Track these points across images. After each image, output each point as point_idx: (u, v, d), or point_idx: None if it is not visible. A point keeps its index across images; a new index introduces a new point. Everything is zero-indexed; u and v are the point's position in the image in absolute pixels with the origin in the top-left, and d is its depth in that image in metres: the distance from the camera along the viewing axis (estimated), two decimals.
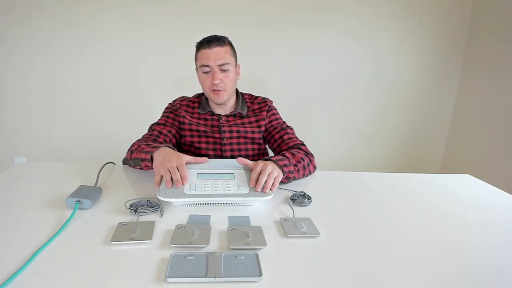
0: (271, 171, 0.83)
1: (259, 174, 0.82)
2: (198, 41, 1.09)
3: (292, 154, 0.98)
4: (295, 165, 0.95)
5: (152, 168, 0.88)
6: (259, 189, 0.79)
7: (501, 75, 2.14)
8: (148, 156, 0.89)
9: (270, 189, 0.80)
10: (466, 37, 2.42)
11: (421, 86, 2.51)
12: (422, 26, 2.37)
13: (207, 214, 0.73)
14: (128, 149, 1.04)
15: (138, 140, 1.05)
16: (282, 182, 0.94)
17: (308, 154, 1.05)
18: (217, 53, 1.05)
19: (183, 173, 0.79)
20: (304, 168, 0.99)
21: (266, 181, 0.81)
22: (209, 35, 1.08)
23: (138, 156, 0.93)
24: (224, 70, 1.07)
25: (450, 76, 2.50)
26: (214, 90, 1.08)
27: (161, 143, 1.03)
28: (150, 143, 0.99)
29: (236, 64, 1.13)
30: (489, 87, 2.23)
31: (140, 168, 0.97)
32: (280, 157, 0.93)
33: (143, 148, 0.93)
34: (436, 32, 2.39)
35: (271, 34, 2.31)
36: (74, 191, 0.76)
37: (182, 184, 0.77)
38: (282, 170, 0.88)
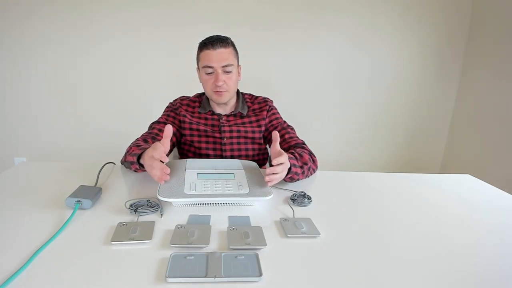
0: (283, 170, 0.85)
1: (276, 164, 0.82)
2: (201, 41, 1.08)
3: (300, 155, 0.98)
4: (301, 166, 0.95)
5: (143, 171, 0.90)
6: (271, 183, 0.82)
7: (501, 75, 2.14)
8: (134, 159, 0.89)
9: (267, 183, 0.82)
10: (466, 37, 2.42)
11: (421, 86, 2.50)
12: (422, 26, 2.37)
13: (207, 214, 0.73)
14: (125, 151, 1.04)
15: (136, 139, 1.05)
16: (285, 182, 0.94)
17: (311, 154, 1.05)
18: (220, 55, 1.04)
19: (164, 170, 0.78)
20: (309, 169, 0.99)
21: (275, 174, 0.82)
22: (212, 35, 1.07)
23: (128, 160, 0.93)
24: (227, 72, 1.07)
25: (450, 76, 2.50)
26: (216, 91, 1.08)
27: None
28: (141, 144, 0.98)
29: (238, 65, 1.13)
30: (489, 87, 2.23)
31: (135, 170, 0.96)
32: (290, 155, 0.93)
33: (133, 151, 0.93)
34: (436, 32, 2.39)
35: (272, 34, 2.31)
36: (74, 191, 0.76)
37: (165, 179, 0.78)
38: (290, 169, 0.89)
